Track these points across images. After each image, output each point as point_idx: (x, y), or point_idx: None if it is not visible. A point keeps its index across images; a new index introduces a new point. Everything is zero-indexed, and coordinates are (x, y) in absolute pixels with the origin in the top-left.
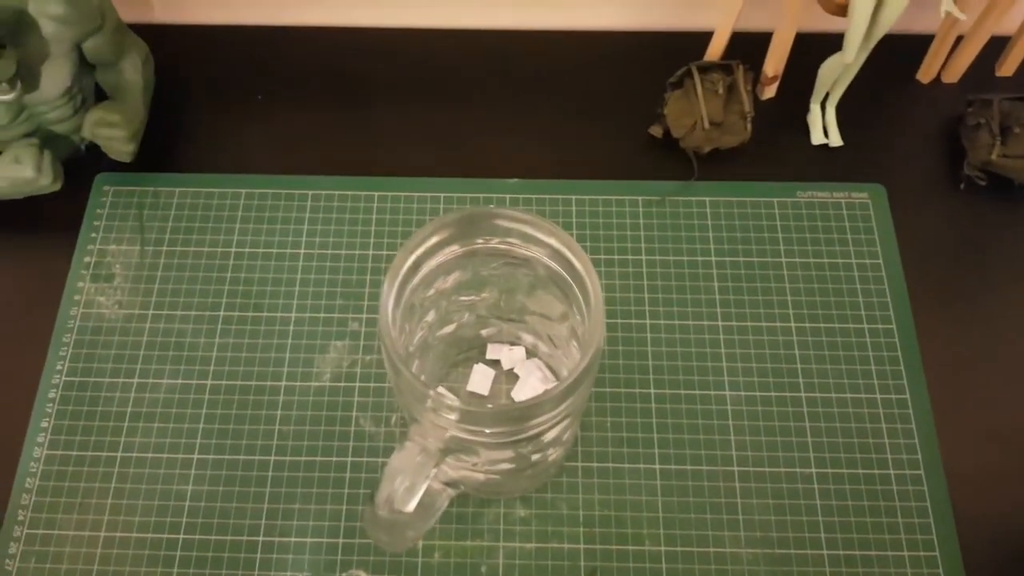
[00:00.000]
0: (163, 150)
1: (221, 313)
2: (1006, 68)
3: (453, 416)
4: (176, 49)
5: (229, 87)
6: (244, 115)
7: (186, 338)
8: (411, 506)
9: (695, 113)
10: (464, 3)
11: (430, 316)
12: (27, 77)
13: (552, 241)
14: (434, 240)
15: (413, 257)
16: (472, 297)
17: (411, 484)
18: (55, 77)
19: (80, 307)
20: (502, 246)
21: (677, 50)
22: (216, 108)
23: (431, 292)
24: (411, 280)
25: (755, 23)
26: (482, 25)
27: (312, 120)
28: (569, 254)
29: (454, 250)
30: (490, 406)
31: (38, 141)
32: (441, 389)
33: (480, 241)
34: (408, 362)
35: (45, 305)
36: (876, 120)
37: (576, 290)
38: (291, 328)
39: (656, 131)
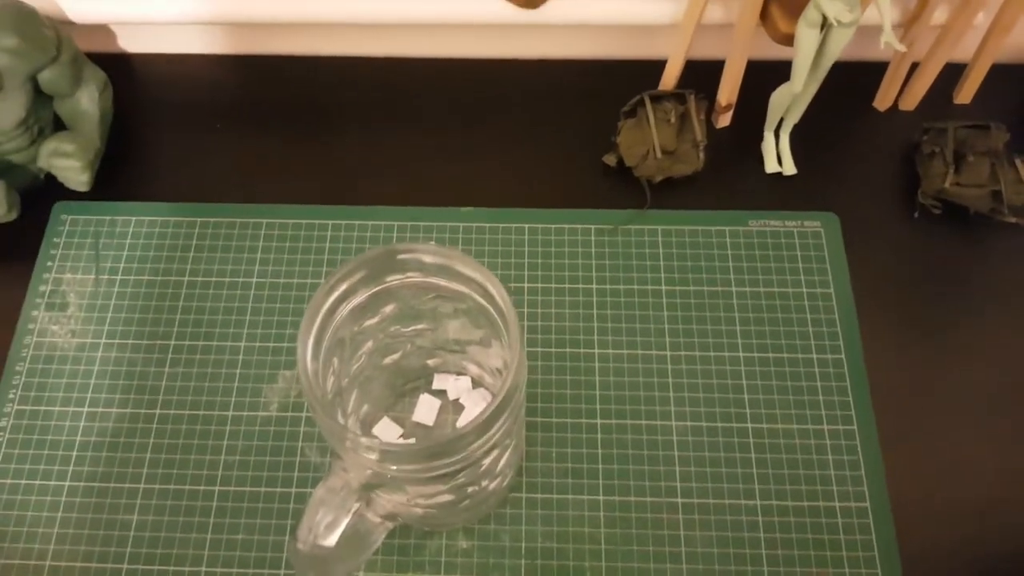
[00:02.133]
0: (121, 179)
1: (172, 342)
2: (963, 95)
3: (372, 456)
4: (137, 77)
5: (188, 115)
6: (202, 143)
7: (136, 367)
8: (331, 540)
9: (648, 142)
10: (420, 31)
11: (367, 347)
12: None
13: (475, 275)
14: (353, 279)
15: (332, 297)
16: (411, 328)
17: (333, 519)
18: (9, 108)
19: (34, 336)
20: (426, 280)
21: (632, 79)
22: (175, 136)
23: (365, 325)
24: (333, 318)
25: (709, 52)
26: (437, 53)
27: (269, 148)
28: (491, 288)
29: (373, 287)
30: (411, 441)
31: None
32: (386, 419)
33: (400, 277)
34: (333, 403)
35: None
36: (832, 148)
37: (500, 324)
38: (240, 357)
39: (610, 160)
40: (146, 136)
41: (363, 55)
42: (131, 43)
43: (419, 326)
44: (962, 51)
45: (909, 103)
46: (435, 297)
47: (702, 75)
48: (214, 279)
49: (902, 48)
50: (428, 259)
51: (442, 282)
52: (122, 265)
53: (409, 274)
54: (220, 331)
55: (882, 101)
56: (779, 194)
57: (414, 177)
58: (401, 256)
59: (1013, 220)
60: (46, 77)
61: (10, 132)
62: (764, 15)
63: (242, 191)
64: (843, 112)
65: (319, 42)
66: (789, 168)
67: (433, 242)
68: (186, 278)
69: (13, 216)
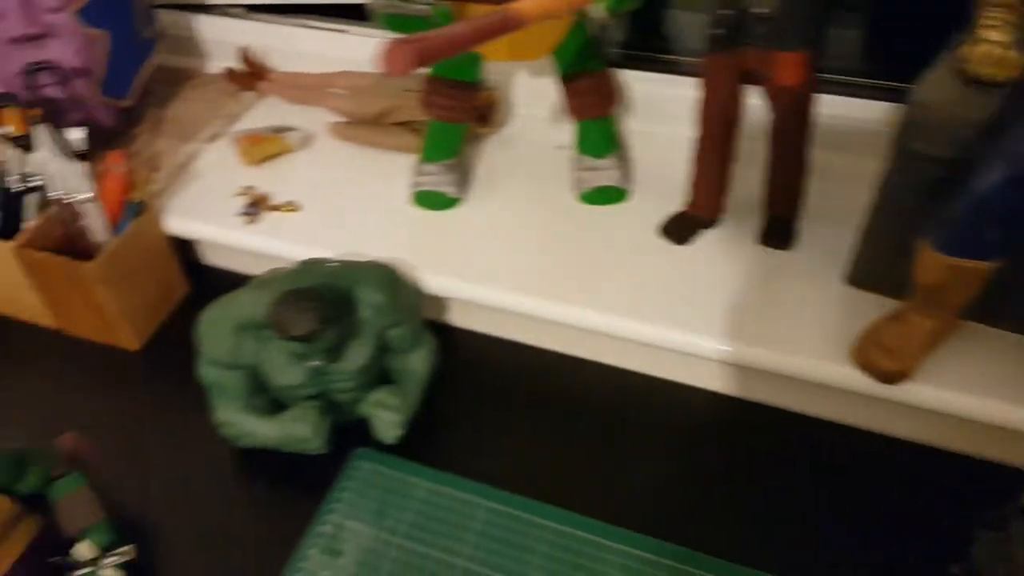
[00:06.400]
0: (421, 442)
1: None
2: None
3: None
4: (459, 351)
5: (496, 398)
6: (503, 429)
7: None
8: None
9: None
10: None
11: None
12: (334, 349)
13: None
14: None
15: None
16: None
17: None
18: (357, 354)
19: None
20: None
21: (991, 482)
22: (479, 415)
23: None
24: None
25: None
26: (754, 397)
27: (563, 449)
28: None
29: None
30: None
31: (320, 404)
32: None
33: None
34: None
35: (270, 565)
36: None
37: None
38: None
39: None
40: (453, 408)
41: (671, 379)
42: (461, 319)
43: None
44: None
45: None
46: None
47: None
48: (487, 571)
49: None
50: None
51: None
52: (402, 526)
53: None
54: None
55: None
56: None
57: (707, 519)
58: None
59: None
60: (395, 334)
61: (350, 374)
62: None
63: (530, 485)
64: None
65: (630, 357)
66: None
67: None
68: (460, 561)
69: (323, 450)
